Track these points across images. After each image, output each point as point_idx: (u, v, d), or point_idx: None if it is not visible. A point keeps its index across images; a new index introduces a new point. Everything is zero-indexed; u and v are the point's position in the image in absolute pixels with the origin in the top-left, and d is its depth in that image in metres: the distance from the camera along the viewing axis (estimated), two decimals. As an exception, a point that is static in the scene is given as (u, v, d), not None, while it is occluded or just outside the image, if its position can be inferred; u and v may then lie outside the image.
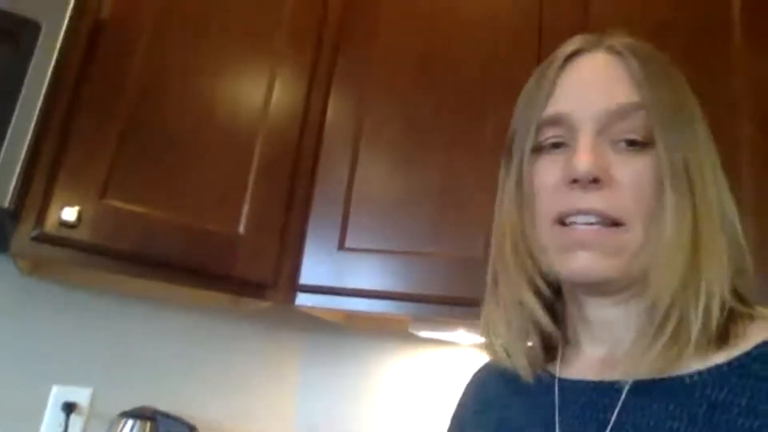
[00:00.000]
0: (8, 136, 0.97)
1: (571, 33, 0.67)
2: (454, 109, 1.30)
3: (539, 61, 0.67)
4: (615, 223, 0.56)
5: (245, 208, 1.29)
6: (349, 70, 1.44)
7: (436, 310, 1.20)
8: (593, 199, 0.56)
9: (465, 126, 1.27)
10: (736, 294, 0.56)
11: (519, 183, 0.63)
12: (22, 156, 0.98)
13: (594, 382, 0.60)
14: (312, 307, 1.33)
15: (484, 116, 1.25)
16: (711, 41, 1.13)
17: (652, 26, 1.09)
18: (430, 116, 1.31)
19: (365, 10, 1.46)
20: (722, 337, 0.54)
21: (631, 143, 0.58)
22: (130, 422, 1.33)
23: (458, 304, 1.15)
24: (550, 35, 1.24)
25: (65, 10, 1.05)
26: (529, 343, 0.66)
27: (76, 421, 1.37)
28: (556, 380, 0.63)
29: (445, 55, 1.35)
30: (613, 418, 0.55)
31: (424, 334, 1.43)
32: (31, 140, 1.00)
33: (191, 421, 1.39)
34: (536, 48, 1.25)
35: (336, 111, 1.42)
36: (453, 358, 1.52)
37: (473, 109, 1.27)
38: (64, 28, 1.05)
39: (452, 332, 1.37)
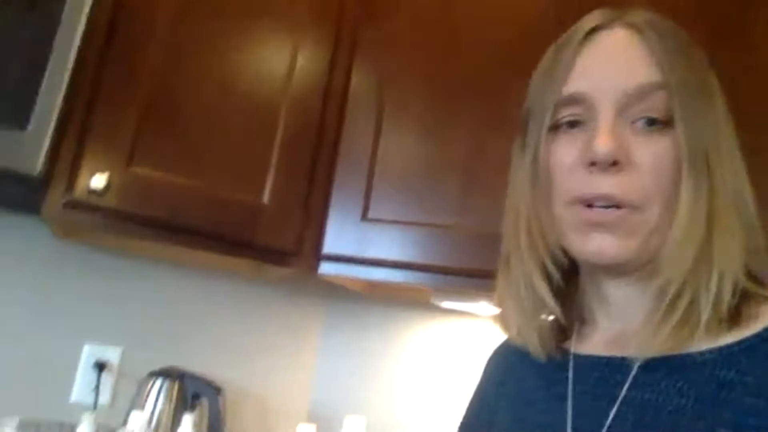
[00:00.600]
0: (37, 105, 0.99)
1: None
2: (479, 83, 1.28)
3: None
4: (631, 206, 0.56)
5: (269, 178, 1.31)
6: (372, 41, 1.42)
7: (456, 282, 1.21)
8: (612, 183, 0.56)
9: (490, 100, 1.25)
10: (750, 275, 0.55)
11: (534, 161, 0.62)
12: (52, 125, 1.01)
13: (606, 358, 0.60)
14: (335, 276, 1.35)
15: (510, 91, 1.22)
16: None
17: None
18: (455, 89, 1.30)
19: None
20: (734, 318, 0.54)
21: (651, 122, 0.57)
22: (158, 381, 1.36)
23: (479, 276, 1.16)
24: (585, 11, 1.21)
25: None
26: (543, 316, 0.66)
27: (107, 379, 1.42)
28: (571, 356, 0.64)
29: (470, 28, 1.33)
30: (623, 393, 0.56)
31: (446, 304, 1.44)
32: (59, 110, 1.02)
33: (215, 382, 1.43)
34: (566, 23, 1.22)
35: (359, 82, 1.41)
36: (473, 330, 1.53)
37: (499, 83, 1.25)
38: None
39: (474, 303, 1.37)
